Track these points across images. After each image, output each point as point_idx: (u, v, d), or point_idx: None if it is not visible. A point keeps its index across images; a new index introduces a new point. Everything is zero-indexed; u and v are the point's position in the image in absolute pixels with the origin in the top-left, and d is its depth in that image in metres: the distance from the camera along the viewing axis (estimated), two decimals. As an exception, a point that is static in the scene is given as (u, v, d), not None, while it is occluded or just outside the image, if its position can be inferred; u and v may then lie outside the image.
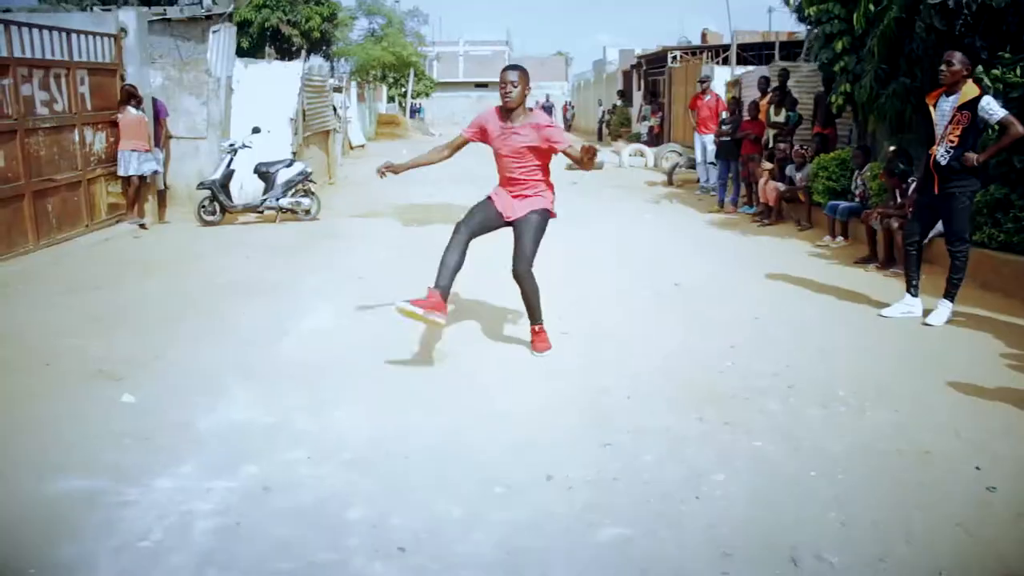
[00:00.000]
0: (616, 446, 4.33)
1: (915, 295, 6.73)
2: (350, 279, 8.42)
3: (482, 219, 5.88)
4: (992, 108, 6.07)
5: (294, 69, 13.69)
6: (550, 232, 6.00)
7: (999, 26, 7.77)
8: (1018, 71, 7.16)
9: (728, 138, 13.05)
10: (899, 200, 8.41)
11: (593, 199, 14.81)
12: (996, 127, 6.22)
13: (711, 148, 14.76)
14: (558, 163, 19.85)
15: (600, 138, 32.62)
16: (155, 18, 13.69)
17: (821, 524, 3.52)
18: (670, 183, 16.91)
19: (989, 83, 7.31)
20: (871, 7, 9.74)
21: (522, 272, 5.76)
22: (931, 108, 6.47)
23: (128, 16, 11.73)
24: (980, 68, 7.49)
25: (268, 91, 13.55)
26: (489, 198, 5.97)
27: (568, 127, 41.53)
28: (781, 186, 11.29)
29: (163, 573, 3.27)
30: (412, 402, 5.02)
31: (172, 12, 14.66)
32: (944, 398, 5.01)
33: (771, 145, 12.97)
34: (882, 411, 4.79)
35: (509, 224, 5.86)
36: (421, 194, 15.67)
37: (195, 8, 15.32)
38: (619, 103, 32.14)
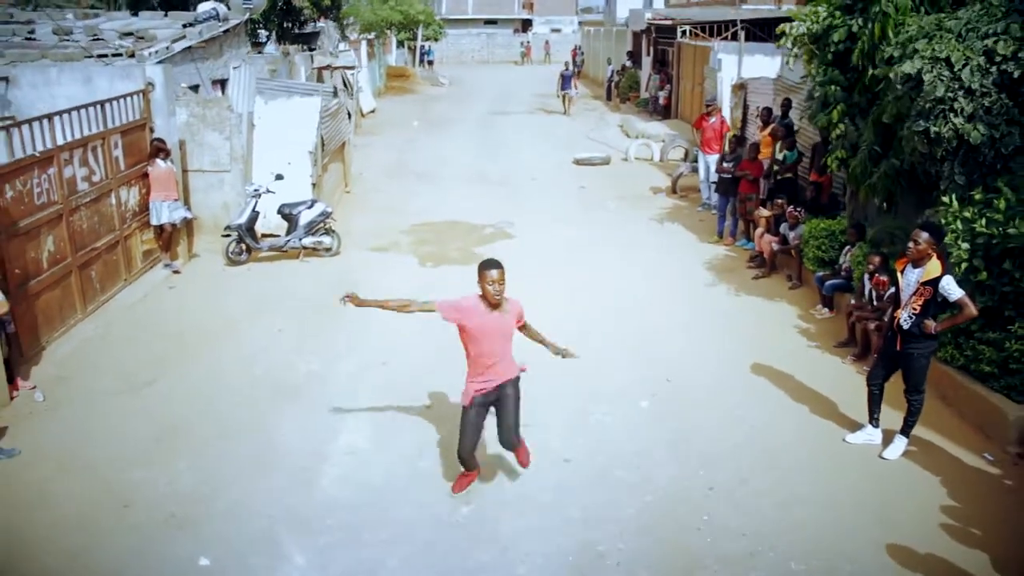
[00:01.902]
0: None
1: (876, 427, 7.59)
2: (374, 367, 9.24)
3: (475, 421, 6.65)
4: (951, 288, 6.84)
5: (313, 105, 14.25)
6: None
7: (975, 157, 8.36)
8: (983, 222, 7.79)
9: (728, 175, 13.66)
10: (874, 304, 9.16)
11: (593, 218, 15.54)
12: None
13: (713, 168, 15.36)
14: (568, 155, 20.79)
15: (609, 98, 32.90)
16: (178, 49, 14.28)
17: None
18: (674, 191, 17.53)
19: (960, 227, 7.94)
20: (867, 80, 10.21)
21: (511, 438, 6.71)
22: (899, 274, 7.21)
23: (155, 71, 12.31)
24: (955, 205, 8.15)
25: (288, 124, 14.15)
26: (466, 406, 6.58)
27: (578, 73, 41.67)
28: (775, 243, 11.99)
29: None
30: (447, 564, 6.00)
31: (191, 36, 15.22)
32: (882, 571, 5.92)
33: (773, 177, 13.57)
34: None
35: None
36: (433, 204, 16.44)
37: (213, 26, 15.89)
38: (628, 64, 32.33)
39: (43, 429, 7.94)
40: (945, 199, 8.34)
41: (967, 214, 8.01)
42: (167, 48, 13.93)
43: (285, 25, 26.23)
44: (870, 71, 10.25)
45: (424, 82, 39.20)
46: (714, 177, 15.17)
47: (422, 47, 45.58)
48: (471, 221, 15.44)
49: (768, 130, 14.50)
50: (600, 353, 9.45)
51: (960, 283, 7.03)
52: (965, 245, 7.97)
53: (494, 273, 6.21)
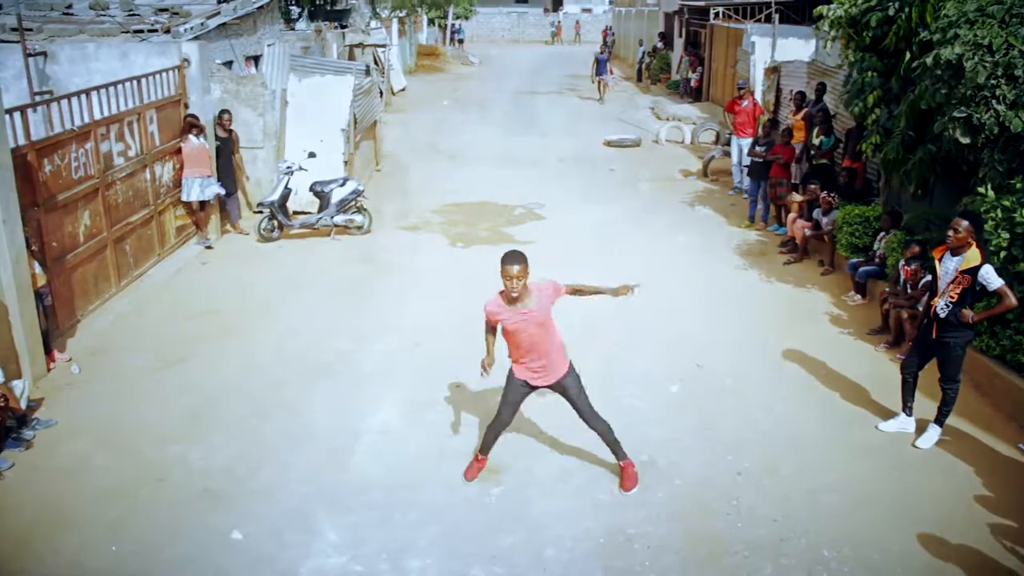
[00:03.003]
0: None
1: (909, 415, 7.53)
2: (408, 348, 9.28)
3: (516, 400, 6.67)
4: (990, 278, 6.75)
5: (346, 83, 14.26)
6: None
7: (1017, 146, 8.23)
8: (1023, 211, 7.68)
9: (760, 159, 13.55)
10: (909, 291, 9.08)
11: (624, 201, 15.49)
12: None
13: (746, 151, 15.23)
14: (598, 136, 20.63)
15: (640, 79, 32.67)
16: (212, 27, 14.34)
17: None
18: (705, 174, 17.41)
19: (999, 215, 7.85)
20: (902, 70, 10.11)
21: (591, 422, 6.70)
22: (936, 262, 7.13)
23: (190, 47, 12.36)
24: (992, 197, 8.04)
25: (321, 102, 14.18)
26: (514, 376, 6.60)
27: (609, 54, 41.41)
28: (808, 229, 11.89)
29: None
30: (475, 545, 6.04)
31: (226, 12, 15.28)
32: (913, 560, 5.89)
33: (808, 162, 13.46)
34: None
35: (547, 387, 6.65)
36: (463, 184, 16.45)
37: (247, 1, 15.94)
38: (660, 45, 32.07)
39: (79, 402, 8.06)
40: (982, 189, 8.22)
41: (1006, 203, 7.90)
42: (202, 24, 14.01)
43: (317, 2, 26.24)
44: (907, 56, 10.11)
45: (454, 61, 39.12)
46: (747, 161, 15.03)
47: (452, 26, 45.44)
48: (501, 202, 15.43)
49: (801, 114, 14.35)
50: (630, 337, 9.46)
51: (999, 272, 6.95)
52: (1005, 235, 7.87)
53: (513, 268, 6.01)
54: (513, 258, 6.08)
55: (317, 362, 8.93)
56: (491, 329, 6.55)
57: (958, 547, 6.04)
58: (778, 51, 19.39)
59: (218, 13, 14.98)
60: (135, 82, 11.17)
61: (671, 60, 30.57)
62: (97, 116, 10.26)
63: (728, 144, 17.13)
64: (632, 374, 8.66)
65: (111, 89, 10.65)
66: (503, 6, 57.47)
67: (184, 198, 12.30)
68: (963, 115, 8.46)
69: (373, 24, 28.62)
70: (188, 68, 12.40)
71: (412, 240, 13.22)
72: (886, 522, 6.37)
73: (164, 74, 11.94)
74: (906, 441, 7.45)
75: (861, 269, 10.45)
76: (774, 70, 18.12)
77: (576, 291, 6.55)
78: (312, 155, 13.10)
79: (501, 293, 6.28)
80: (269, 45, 14.23)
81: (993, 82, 8.19)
